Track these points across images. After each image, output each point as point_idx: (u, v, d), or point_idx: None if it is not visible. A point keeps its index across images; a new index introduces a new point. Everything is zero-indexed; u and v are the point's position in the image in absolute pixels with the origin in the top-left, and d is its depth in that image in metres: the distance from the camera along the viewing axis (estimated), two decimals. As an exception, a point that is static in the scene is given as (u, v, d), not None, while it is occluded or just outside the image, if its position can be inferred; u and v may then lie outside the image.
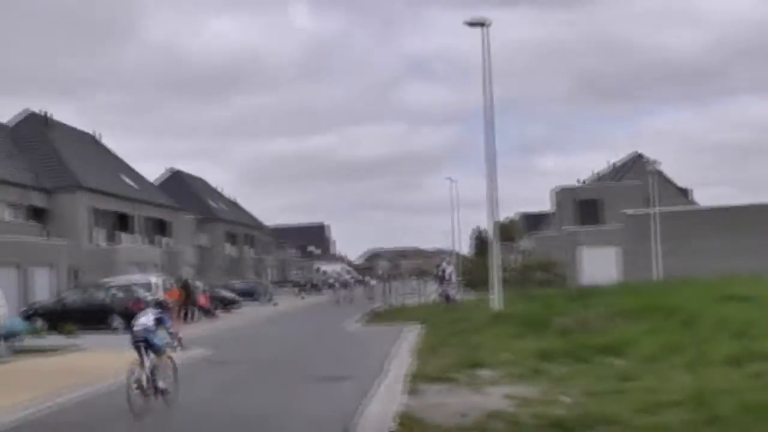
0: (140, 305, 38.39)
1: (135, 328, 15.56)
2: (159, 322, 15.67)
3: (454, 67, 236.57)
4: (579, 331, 21.60)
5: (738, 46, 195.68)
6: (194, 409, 15.64)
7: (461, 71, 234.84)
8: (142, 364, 15.07)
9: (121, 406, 14.51)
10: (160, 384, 15.30)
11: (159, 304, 17.11)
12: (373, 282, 70.73)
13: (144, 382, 14.89)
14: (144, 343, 15.24)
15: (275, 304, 64.05)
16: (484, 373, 17.37)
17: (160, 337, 15.65)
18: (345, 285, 70.48)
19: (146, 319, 15.64)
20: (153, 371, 15.15)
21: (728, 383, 13.06)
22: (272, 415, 14.41)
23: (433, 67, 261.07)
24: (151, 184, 79.18)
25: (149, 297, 40.66)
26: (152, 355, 15.25)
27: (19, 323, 30.68)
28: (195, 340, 31.34)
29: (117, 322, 38.33)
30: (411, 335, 29.25)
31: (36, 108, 66.19)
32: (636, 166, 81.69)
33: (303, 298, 76.04)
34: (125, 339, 33.11)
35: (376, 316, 41.04)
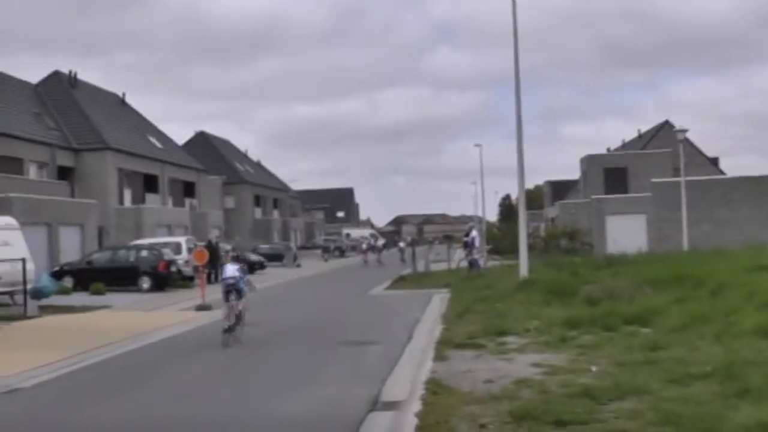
0: (167, 265, 38.93)
1: (225, 277, 19.79)
2: (241, 271, 20.03)
3: (480, 33, 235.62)
4: (606, 299, 21.49)
5: (764, 13, 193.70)
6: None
7: (488, 37, 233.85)
8: (229, 303, 19.44)
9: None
10: (239, 308, 19.60)
11: (236, 258, 22.21)
12: (403, 245, 70.97)
13: (229, 320, 19.34)
14: (233, 288, 19.55)
15: (298, 266, 64.23)
16: (511, 340, 17.34)
17: (242, 284, 19.84)
18: (376, 249, 72.51)
19: (232, 270, 19.82)
20: (236, 306, 19.49)
21: (758, 354, 12.95)
22: (299, 380, 14.42)
23: (460, 33, 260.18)
24: (177, 145, 79.24)
25: (178, 258, 40.99)
26: (235, 297, 19.52)
27: (48, 281, 30.88)
28: (219, 302, 31.47)
29: (145, 282, 38.66)
30: (437, 301, 29.28)
31: (62, 67, 66.27)
32: (664, 134, 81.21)
33: (326, 260, 76.40)
34: (153, 299, 33.52)
35: (402, 281, 41.06)
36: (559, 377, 12.75)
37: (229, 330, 19.29)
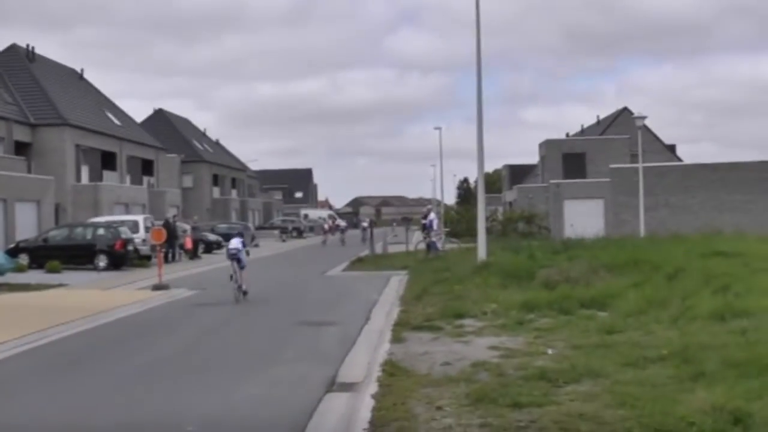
0: (124, 244, 38.63)
1: (230, 248, 24.69)
2: (243, 245, 24.86)
3: (444, 16, 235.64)
4: (563, 283, 21.56)
5: (726, 2, 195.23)
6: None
7: (452, 21, 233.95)
8: (235, 268, 24.01)
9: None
10: (243, 286, 24.16)
11: (240, 234, 26.63)
12: (366, 224, 71.31)
13: (237, 283, 23.91)
14: (235, 258, 24.07)
15: (256, 246, 64.11)
16: (469, 323, 17.36)
17: (244, 256, 24.51)
18: (339, 229, 74.47)
19: (236, 243, 24.62)
20: (239, 276, 24.01)
21: (713, 338, 13.05)
22: (254, 362, 14.38)
23: (424, 15, 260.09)
24: (135, 122, 78.56)
25: (135, 237, 40.69)
26: (237, 266, 23.99)
27: (3, 259, 30.56)
28: (177, 281, 31.37)
29: (102, 260, 38.33)
30: (395, 283, 29.27)
31: (19, 41, 65.36)
32: (622, 120, 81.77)
33: (284, 240, 76.35)
34: (110, 277, 33.30)
35: (360, 263, 41.00)
36: (516, 360, 12.78)
37: (239, 288, 23.95)
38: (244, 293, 24.05)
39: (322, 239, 70.14)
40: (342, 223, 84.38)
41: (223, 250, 54.77)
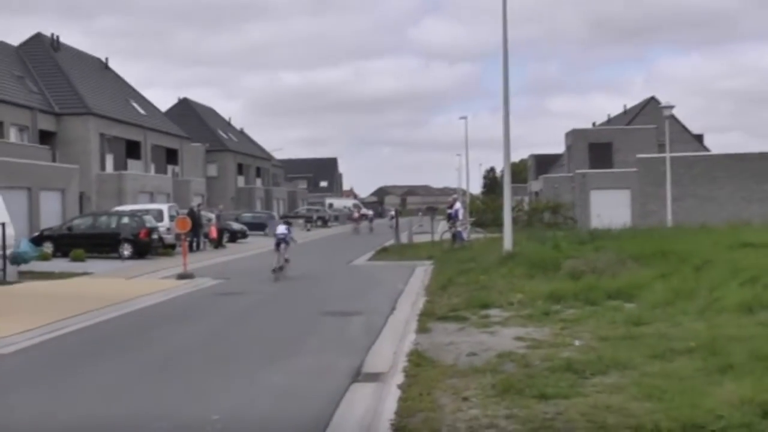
0: (149, 232, 38.75)
1: (277, 233, 29.07)
2: (288, 230, 29.24)
3: (471, 5, 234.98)
4: (589, 273, 21.50)
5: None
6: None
7: (478, 10, 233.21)
8: (278, 252, 28.47)
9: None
10: (286, 256, 28.50)
11: (287, 221, 32.36)
12: (394, 213, 71.80)
13: (278, 263, 28.12)
14: (282, 241, 28.60)
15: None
16: (494, 313, 17.33)
17: (289, 238, 29.10)
18: (367, 217, 78.88)
19: (283, 229, 29.17)
20: (284, 257, 28.47)
21: (741, 330, 12.98)
22: (279, 352, 14.40)
23: (450, 4, 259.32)
24: (160, 111, 78.79)
25: (160, 226, 40.81)
26: (284, 247, 28.54)
27: (28, 247, 30.70)
28: (203, 270, 31.46)
29: (126, 249, 38.46)
30: (420, 273, 29.29)
31: (43, 30, 65.63)
32: (650, 110, 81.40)
33: (309, 230, 76.56)
34: (134, 266, 33.43)
35: (385, 253, 41.00)
36: (542, 351, 12.74)
37: (279, 270, 27.95)
38: (286, 260, 28.50)
39: (353, 227, 73.58)
40: (370, 212, 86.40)
41: (248, 240, 55.44)
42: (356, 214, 79.32)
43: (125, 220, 40.16)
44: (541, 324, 15.67)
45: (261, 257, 40.29)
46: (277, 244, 28.65)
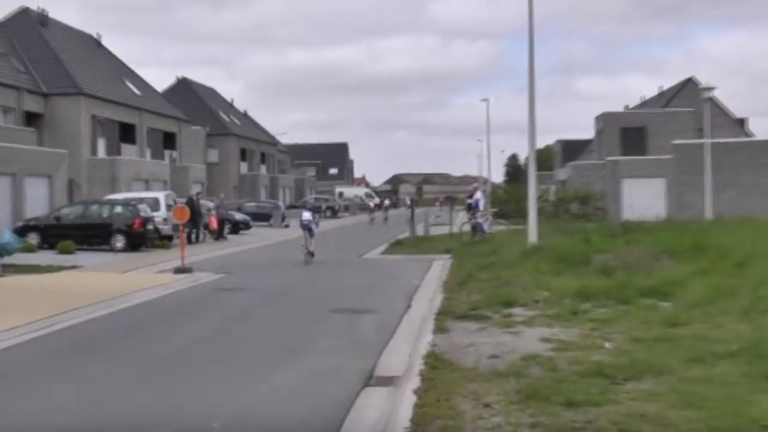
0: (144, 223, 38.74)
1: (302, 219, 33.04)
2: (313, 216, 33.52)
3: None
4: (621, 269, 21.44)
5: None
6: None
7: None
8: (306, 236, 32.39)
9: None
10: (311, 248, 32.24)
11: (312, 210, 36.69)
12: (410, 202, 72.37)
13: (307, 249, 32.02)
14: (307, 228, 32.43)
15: (287, 226, 64.15)
16: (518, 312, 17.30)
17: (314, 226, 33.16)
18: (383, 207, 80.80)
19: (308, 215, 33.33)
20: (310, 241, 32.37)
21: (788, 333, 12.90)
22: (286, 355, 14.36)
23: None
24: (157, 92, 78.85)
25: (156, 216, 40.82)
26: (308, 234, 32.34)
27: (11, 238, 30.70)
28: (202, 264, 31.50)
29: (119, 241, 38.41)
30: (438, 267, 29.31)
31: (30, 4, 65.56)
32: (687, 92, 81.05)
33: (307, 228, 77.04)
34: (128, 259, 33.46)
35: (400, 245, 41.01)
36: (570, 353, 12.70)
37: (310, 254, 32.02)
38: (312, 254, 32.08)
39: (370, 217, 75.79)
40: (386, 201, 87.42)
41: (251, 231, 55.53)
42: (372, 204, 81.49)
43: (118, 209, 40.12)
44: (569, 324, 15.62)
45: (265, 250, 40.29)
46: (304, 229, 32.73)
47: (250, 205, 69.87)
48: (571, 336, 14.34)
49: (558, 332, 14.73)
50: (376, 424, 9.64)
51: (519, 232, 35.89)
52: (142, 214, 39.57)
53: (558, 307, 17.48)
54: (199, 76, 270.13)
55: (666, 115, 72.31)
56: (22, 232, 37.35)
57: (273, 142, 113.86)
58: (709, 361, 11.67)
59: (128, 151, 64.46)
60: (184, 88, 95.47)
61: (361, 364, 12.77)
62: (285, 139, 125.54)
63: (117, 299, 21.32)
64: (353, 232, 59.31)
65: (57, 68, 59.20)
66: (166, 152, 72.69)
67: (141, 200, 42.93)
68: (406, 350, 13.96)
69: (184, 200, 42.47)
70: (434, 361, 12.51)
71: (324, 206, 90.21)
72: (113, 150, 62.35)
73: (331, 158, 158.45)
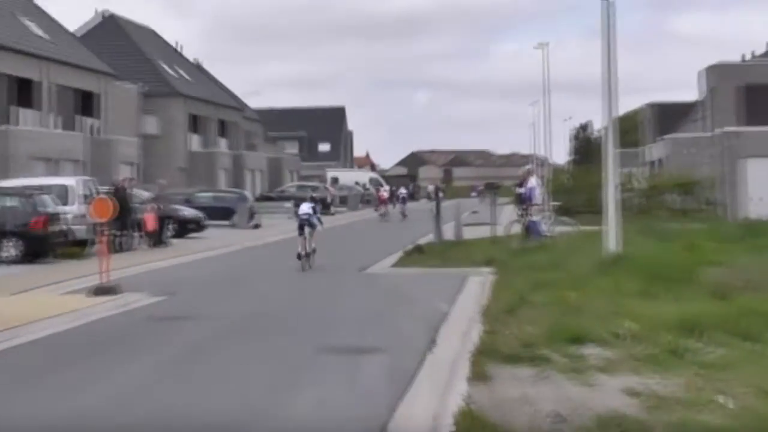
0: (47, 221, 38.56)
1: (300, 214, 36.31)
2: (314, 209, 36.39)
3: None
4: (743, 290, 21.38)
5: None
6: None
7: None
8: (303, 237, 35.40)
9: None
10: (312, 245, 35.80)
11: (313, 199, 39.01)
12: (434, 192, 73.23)
13: (304, 247, 35.15)
14: (306, 223, 35.43)
15: (256, 226, 64.09)
16: (592, 351, 17.30)
17: (315, 219, 36.16)
18: (399, 198, 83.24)
19: (307, 208, 36.18)
20: (309, 240, 35.70)
21: None
22: (249, 411, 14.22)
23: None
24: (71, 35, 79.02)
25: (65, 211, 40.72)
26: (309, 231, 35.57)
27: None
28: (134, 281, 31.43)
29: (12, 248, 38.23)
30: (475, 286, 29.33)
31: None
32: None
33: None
34: (23, 274, 33.46)
35: (419, 254, 40.84)
36: (668, 414, 12.64)
37: (305, 256, 34.81)
38: (309, 256, 35.21)
39: (381, 212, 78.07)
40: (402, 190, 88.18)
41: (205, 232, 55.52)
42: (384, 194, 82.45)
43: (10, 202, 40.01)
44: (666, 370, 15.51)
45: (226, 260, 40.25)
46: (301, 227, 35.74)
47: (205, 197, 69.82)
48: (670, 387, 14.26)
49: (650, 382, 14.66)
50: None
51: (592, 236, 36.03)
52: (46, 208, 39.41)
53: (651, 346, 17.40)
54: (133, 12, 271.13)
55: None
56: None
57: (238, 106, 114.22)
58: None
59: (26, 118, 64.56)
60: (109, 29, 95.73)
61: (364, 430, 12.63)
62: (256, 102, 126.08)
63: (6, 332, 21.15)
64: (353, 234, 59.60)
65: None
66: (83, 120, 72.70)
67: (43, 189, 42.78)
68: (430, 408, 13.89)
69: (108, 189, 42.38)
70: (470, 424, 12.41)
71: (310, 197, 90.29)
72: (2, 117, 62.30)
73: (322, 129, 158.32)
